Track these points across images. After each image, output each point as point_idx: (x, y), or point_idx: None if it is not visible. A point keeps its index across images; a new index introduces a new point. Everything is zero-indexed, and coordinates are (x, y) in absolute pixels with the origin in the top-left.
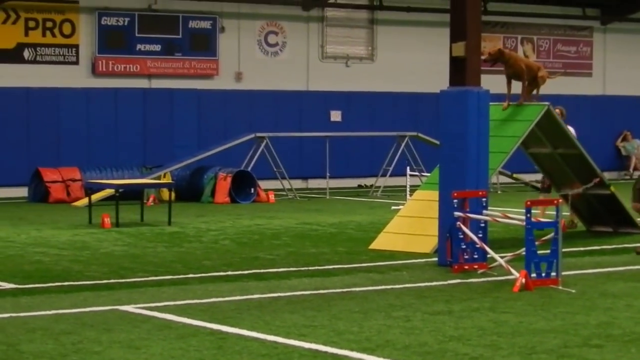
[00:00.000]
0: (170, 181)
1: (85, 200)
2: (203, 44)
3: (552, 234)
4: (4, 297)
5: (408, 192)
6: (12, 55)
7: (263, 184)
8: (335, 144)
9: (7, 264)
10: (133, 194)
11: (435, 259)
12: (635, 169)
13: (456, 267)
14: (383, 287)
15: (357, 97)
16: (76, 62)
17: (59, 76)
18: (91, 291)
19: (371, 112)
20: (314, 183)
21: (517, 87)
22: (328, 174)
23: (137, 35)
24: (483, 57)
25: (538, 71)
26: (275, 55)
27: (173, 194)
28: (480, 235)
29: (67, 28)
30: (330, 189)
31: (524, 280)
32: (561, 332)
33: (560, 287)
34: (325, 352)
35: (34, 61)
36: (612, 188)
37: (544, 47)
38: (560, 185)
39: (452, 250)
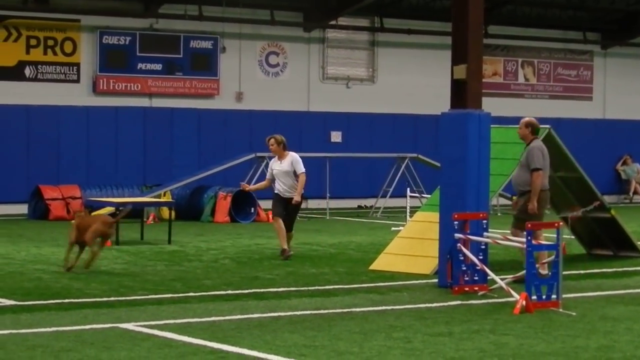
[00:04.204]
0: (170, 200)
1: None
2: (204, 64)
3: (552, 257)
4: (3, 314)
5: (408, 214)
6: (13, 73)
7: (263, 204)
8: (335, 165)
9: (6, 281)
10: (133, 213)
11: (436, 280)
12: (635, 192)
13: (456, 288)
14: (383, 307)
15: (358, 118)
16: (77, 81)
17: (59, 94)
18: (91, 309)
19: (371, 134)
20: (313, 203)
21: (515, 108)
22: (328, 195)
23: (138, 54)
24: None
25: None
26: (276, 75)
27: (173, 213)
28: (481, 257)
29: (68, 46)
30: (330, 209)
31: (524, 303)
32: (562, 355)
33: (560, 310)
34: None
35: (35, 79)
36: (612, 212)
37: (545, 70)
38: (560, 208)
39: (453, 272)
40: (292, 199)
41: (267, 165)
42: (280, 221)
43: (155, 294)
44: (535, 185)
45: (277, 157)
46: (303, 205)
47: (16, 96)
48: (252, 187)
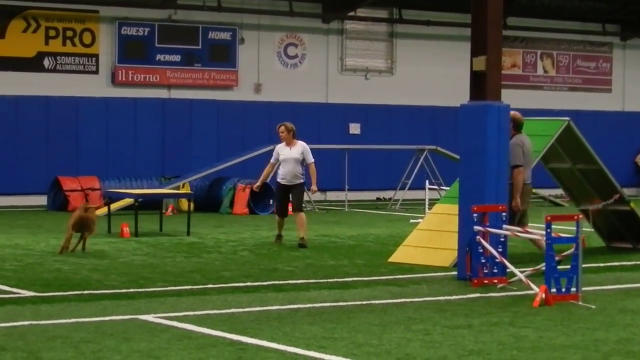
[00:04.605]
0: (189, 191)
1: (104, 210)
2: (222, 55)
3: (572, 250)
4: (23, 305)
5: (427, 206)
6: (32, 64)
7: None
8: (353, 157)
9: (26, 272)
10: (152, 204)
11: (455, 272)
12: None
13: (475, 281)
14: (402, 300)
15: (376, 110)
16: (96, 72)
17: (78, 85)
18: (111, 300)
19: (390, 125)
20: (332, 195)
21: (534, 100)
22: (347, 187)
23: (156, 45)
24: None
25: None
26: (295, 67)
27: (192, 205)
28: (500, 250)
29: (87, 37)
30: (348, 201)
31: (543, 295)
32: (581, 348)
33: (580, 303)
34: None
35: (53, 70)
36: (631, 204)
37: (564, 62)
38: (579, 201)
39: (472, 264)
40: (294, 186)
41: None
42: (282, 220)
43: (175, 285)
44: (517, 181)
45: (285, 143)
46: (321, 197)
47: (35, 87)
48: (259, 181)
